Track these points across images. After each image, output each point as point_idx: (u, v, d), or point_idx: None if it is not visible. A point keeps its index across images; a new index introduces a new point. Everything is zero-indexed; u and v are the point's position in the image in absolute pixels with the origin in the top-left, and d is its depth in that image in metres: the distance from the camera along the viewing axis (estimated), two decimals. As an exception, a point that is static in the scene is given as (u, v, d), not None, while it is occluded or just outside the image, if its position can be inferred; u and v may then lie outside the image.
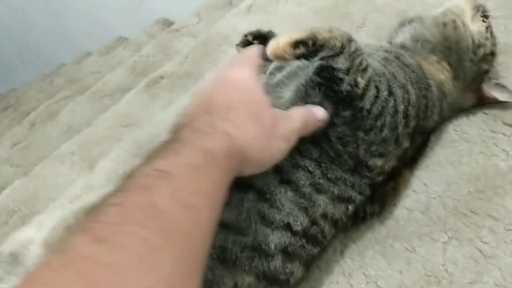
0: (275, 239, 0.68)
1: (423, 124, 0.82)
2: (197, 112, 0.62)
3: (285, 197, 0.70)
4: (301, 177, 0.71)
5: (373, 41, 1.08)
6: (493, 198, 0.79)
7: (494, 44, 0.92)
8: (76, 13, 3.59)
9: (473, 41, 0.90)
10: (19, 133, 2.03)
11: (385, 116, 0.74)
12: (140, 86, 1.51)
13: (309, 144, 0.73)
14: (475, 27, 0.91)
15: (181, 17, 2.26)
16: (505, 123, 0.88)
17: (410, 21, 0.97)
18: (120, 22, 3.19)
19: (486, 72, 0.92)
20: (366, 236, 0.81)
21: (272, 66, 0.89)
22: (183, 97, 1.22)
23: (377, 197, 0.78)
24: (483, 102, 0.93)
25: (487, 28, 0.92)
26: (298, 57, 0.73)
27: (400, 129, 0.76)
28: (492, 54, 0.92)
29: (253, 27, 1.43)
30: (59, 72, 3.16)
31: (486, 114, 0.91)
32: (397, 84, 0.77)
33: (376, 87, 0.74)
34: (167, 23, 2.62)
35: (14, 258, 0.71)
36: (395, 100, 0.75)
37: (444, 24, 0.91)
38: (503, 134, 0.87)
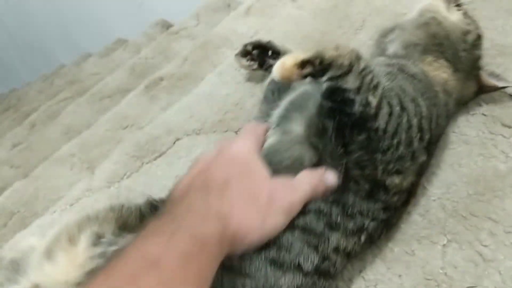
0: (287, 281, 0.65)
1: (436, 133, 0.80)
2: (194, 185, 0.62)
3: (293, 237, 0.67)
4: (312, 220, 0.69)
5: (371, 43, 1.08)
6: (493, 201, 0.79)
7: (477, 27, 0.93)
8: (77, 14, 3.60)
9: (460, 30, 0.90)
10: (20, 134, 2.03)
11: (400, 133, 0.71)
12: (139, 87, 1.51)
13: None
14: (454, 17, 0.92)
15: (180, 19, 2.26)
16: (504, 125, 0.88)
17: (391, 31, 0.97)
18: (120, 23, 3.20)
19: (480, 58, 0.92)
20: (365, 240, 0.80)
21: (270, 77, 0.89)
22: (183, 99, 1.22)
23: (393, 224, 0.77)
24: (483, 91, 0.93)
25: (464, 14, 0.93)
26: (305, 76, 0.71)
27: (416, 144, 0.73)
28: (479, 37, 0.92)
29: (252, 30, 1.44)
30: (59, 73, 3.16)
31: (485, 115, 0.90)
32: (408, 98, 0.75)
33: (389, 103, 0.72)
34: (166, 25, 2.62)
35: (15, 266, 0.71)
36: (408, 115, 0.73)
37: (426, 24, 0.91)
38: (502, 135, 0.86)
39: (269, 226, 0.62)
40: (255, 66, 1.08)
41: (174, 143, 1.11)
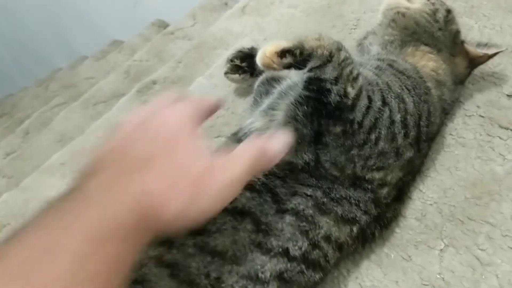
0: (271, 266, 0.64)
1: (428, 131, 0.79)
2: (111, 159, 0.53)
3: (283, 223, 0.67)
4: (300, 203, 0.69)
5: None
6: (490, 204, 0.78)
7: (443, 4, 0.92)
8: (72, 17, 3.58)
9: (427, 12, 0.90)
10: (13, 142, 2.01)
11: (379, 128, 0.71)
12: (131, 92, 1.49)
13: (303, 173, 0.71)
14: (417, 3, 0.92)
15: (176, 18, 2.24)
16: (501, 126, 0.86)
17: (365, 39, 0.97)
18: (116, 25, 3.18)
19: (458, 31, 0.92)
20: (361, 246, 0.79)
21: (259, 79, 0.88)
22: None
23: (386, 222, 0.76)
24: (476, 64, 0.92)
25: None
26: (287, 67, 0.71)
27: (400, 140, 0.73)
28: (449, 12, 0.91)
29: (247, 30, 1.43)
30: (54, 77, 3.14)
31: (483, 117, 0.89)
32: (392, 94, 0.74)
33: (369, 97, 0.71)
34: (163, 25, 2.60)
35: None
36: (390, 110, 0.72)
37: (393, 20, 0.91)
38: (500, 137, 0.85)
39: (202, 207, 0.54)
40: (248, 77, 1.05)
41: (162, 150, 1.08)
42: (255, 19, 1.48)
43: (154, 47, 2.02)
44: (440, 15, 0.90)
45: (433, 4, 0.91)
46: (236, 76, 1.07)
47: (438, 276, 0.73)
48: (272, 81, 0.87)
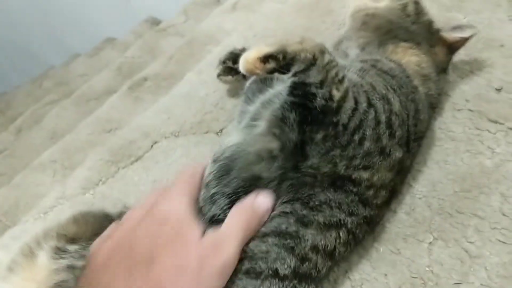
0: None
1: (416, 130, 0.79)
2: (117, 256, 0.58)
3: (267, 245, 0.65)
4: (281, 223, 0.67)
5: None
6: (479, 197, 0.78)
7: None
8: (65, 15, 3.57)
9: (397, 9, 0.90)
10: (5, 140, 2.00)
11: (364, 129, 0.69)
12: (123, 89, 1.48)
13: (276, 191, 0.70)
14: (383, 0, 0.91)
15: (169, 15, 2.24)
16: (490, 120, 0.87)
17: (340, 44, 0.97)
18: (109, 22, 3.17)
19: (431, 21, 0.92)
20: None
21: (246, 85, 0.87)
22: (160, 100, 1.20)
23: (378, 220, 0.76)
24: (454, 49, 0.93)
25: None
26: (271, 72, 0.70)
27: (385, 140, 0.71)
28: (417, 3, 0.92)
29: (238, 26, 1.42)
30: (47, 74, 3.13)
31: (472, 111, 0.89)
32: (377, 95, 0.73)
33: (355, 98, 0.70)
34: (155, 22, 2.59)
35: None
36: (375, 112, 0.71)
37: (364, 23, 0.90)
38: (488, 131, 0.85)
39: None
40: (240, 77, 1.04)
41: (151, 146, 1.09)
42: (246, 15, 1.48)
43: (146, 43, 2.02)
44: (410, 8, 0.90)
45: None
46: (229, 77, 1.06)
47: (427, 268, 0.73)
48: (265, 79, 0.86)
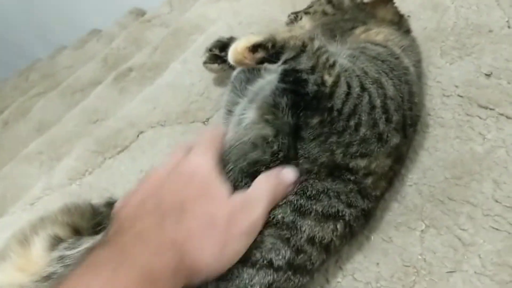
0: (259, 279, 0.62)
1: (412, 114, 0.77)
2: (145, 208, 0.58)
3: (262, 236, 0.64)
4: (276, 213, 0.66)
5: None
6: (470, 184, 0.77)
7: None
8: (50, 7, 3.54)
9: (325, 12, 0.92)
10: (-8, 133, 1.98)
11: (359, 114, 0.68)
12: (108, 80, 1.47)
13: None
14: (304, 20, 0.93)
15: (154, 6, 2.22)
16: (480, 106, 0.86)
17: None
18: (94, 14, 3.15)
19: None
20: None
21: (234, 74, 0.87)
22: (146, 90, 1.19)
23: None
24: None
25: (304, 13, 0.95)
26: (260, 62, 0.69)
27: (382, 126, 0.70)
28: (329, 1, 0.94)
29: (223, 14, 1.41)
30: (34, 67, 3.11)
31: (461, 97, 0.88)
32: (369, 79, 0.72)
33: (347, 83, 0.69)
34: (140, 13, 2.57)
35: None
36: (370, 96, 0.70)
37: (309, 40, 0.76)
38: (479, 117, 0.84)
39: (229, 254, 0.59)
40: (226, 66, 1.03)
41: (137, 136, 1.08)
42: (230, 3, 1.46)
43: (131, 35, 2.00)
44: (335, 2, 0.92)
45: (320, 4, 0.93)
46: (215, 65, 1.05)
47: (419, 257, 0.73)
48: (253, 69, 0.85)
